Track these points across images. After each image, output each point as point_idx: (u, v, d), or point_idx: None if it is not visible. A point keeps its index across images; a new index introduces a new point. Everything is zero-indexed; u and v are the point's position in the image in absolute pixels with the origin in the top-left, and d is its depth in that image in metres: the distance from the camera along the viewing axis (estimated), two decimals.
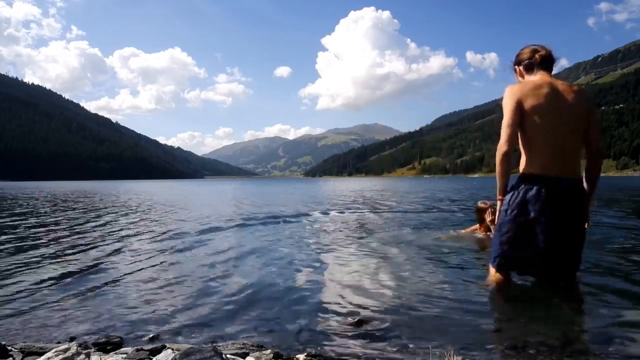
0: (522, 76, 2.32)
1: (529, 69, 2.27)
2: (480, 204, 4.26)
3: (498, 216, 2.24)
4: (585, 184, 2.17)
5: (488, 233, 4.06)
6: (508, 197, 2.18)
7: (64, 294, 2.53)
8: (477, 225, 4.30)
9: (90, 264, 3.39)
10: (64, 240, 4.75)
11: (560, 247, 2.09)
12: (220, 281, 2.78)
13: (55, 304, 2.33)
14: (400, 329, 1.86)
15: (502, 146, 2.11)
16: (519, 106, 2.10)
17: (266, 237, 4.83)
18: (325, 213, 8.09)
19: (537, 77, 2.21)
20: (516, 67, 2.37)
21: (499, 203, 2.23)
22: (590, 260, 3.11)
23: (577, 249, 2.16)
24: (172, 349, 1.52)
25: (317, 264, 3.26)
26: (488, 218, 4.06)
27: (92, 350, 1.59)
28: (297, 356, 1.55)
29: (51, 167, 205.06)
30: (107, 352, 1.61)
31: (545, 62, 2.23)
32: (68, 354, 1.40)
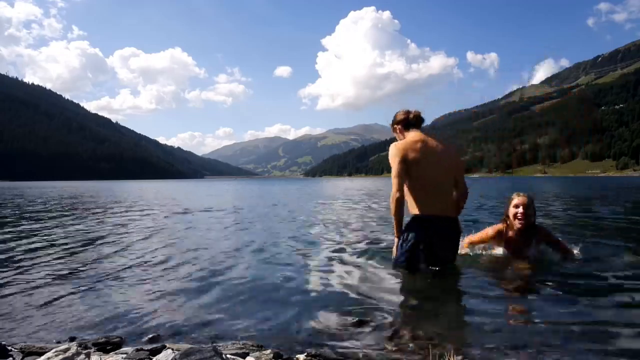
0: (402, 133, 2.85)
1: (406, 127, 2.83)
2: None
3: (396, 248, 2.77)
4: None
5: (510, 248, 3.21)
6: (405, 234, 2.71)
7: (64, 293, 2.53)
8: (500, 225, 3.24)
9: (90, 263, 3.40)
10: (64, 239, 4.74)
11: (445, 259, 2.79)
12: (220, 281, 2.77)
13: (56, 303, 2.33)
14: (400, 329, 1.86)
15: (395, 193, 2.60)
16: (404, 159, 2.61)
17: (267, 235, 4.82)
18: (329, 210, 8.16)
19: (412, 134, 2.75)
20: (395, 126, 2.90)
21: (396, 239, 2.76)
22: (591, 260, 3.12)
23: (455, 256, 2.88)
24: (172, 349, 1.52)
25: (318, 264, 3.26)
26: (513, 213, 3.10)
27: (92, 350, 1.59)
28: (297, 356, 1.55)
29: (51, 167, 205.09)
30: (107, 352, 1.61)
31: (417, 121, 2.82)
32: (68, 354, 1.41)
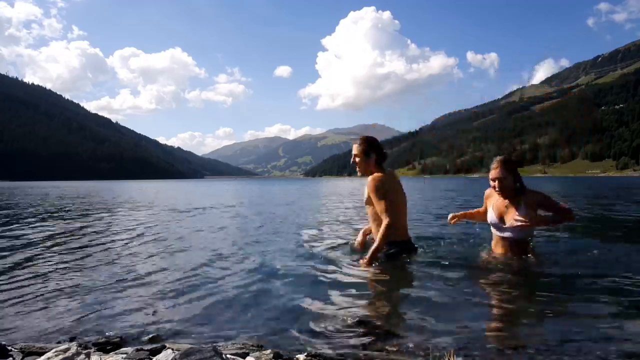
0: (373, 165, 3.10)
1: (378, 162, 3.11)
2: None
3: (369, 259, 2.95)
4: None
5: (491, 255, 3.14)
6: (391, 252, 3.04)
7: (64, 293, 2.53)
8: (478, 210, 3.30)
9: (90, 264, 3.40)
10: (64, 240, 4.74)
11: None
12: (220, 281, 2.78)
13: (56, 303, 2.33)
14: (400, 329, 1.85)
15: (389, 221, 2.90)
16: (389, 191, 2.97)
17: (268, 235, 4.81)
18: (332, 210, 8.18)
19: (381, 172, 3.06)
20: (372, 154, 3.09)
21: (366, 261, 2.95)
22: (591, 261, 3.11)
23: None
24: (172, 349, 1.53)
25: (318, 264, 3.24)
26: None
27: (92, 350, 1.59)
28: (297, 356, 1.56)
29: (51, 167, 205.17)
30: (107, 352, 1.61)
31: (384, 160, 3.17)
32: (68, 354, 1.41)
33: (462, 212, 3.27)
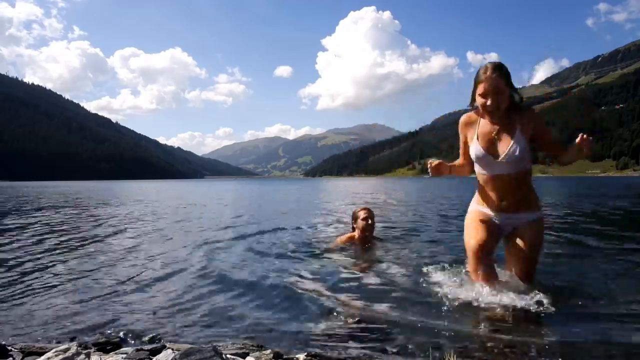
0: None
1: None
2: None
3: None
4: None
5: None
6: None
7: (64, 294, 2.54)
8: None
9: (91, 264, 3.40)
10: (64, 240, 4.74)
11: None
12: (220, 281, 2.78)
13: (55, 304, 2.33)
14: (400, 330, 1.86)
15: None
16: None
17: (269, 235, 4.80)
18: (334, 209, 8.14)
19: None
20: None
21: None
22: (589, 263, 3.11)
23: None
24: (172, 349, 1.53)
25: (318, 264, 3.25)
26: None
27: (92, 350, 1.60)
28: (297, 356, 1.56)
29: (51, 167, 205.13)
30: (107, 352, 1.61)
31: None
32: (68, 354, 1.41)
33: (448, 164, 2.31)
